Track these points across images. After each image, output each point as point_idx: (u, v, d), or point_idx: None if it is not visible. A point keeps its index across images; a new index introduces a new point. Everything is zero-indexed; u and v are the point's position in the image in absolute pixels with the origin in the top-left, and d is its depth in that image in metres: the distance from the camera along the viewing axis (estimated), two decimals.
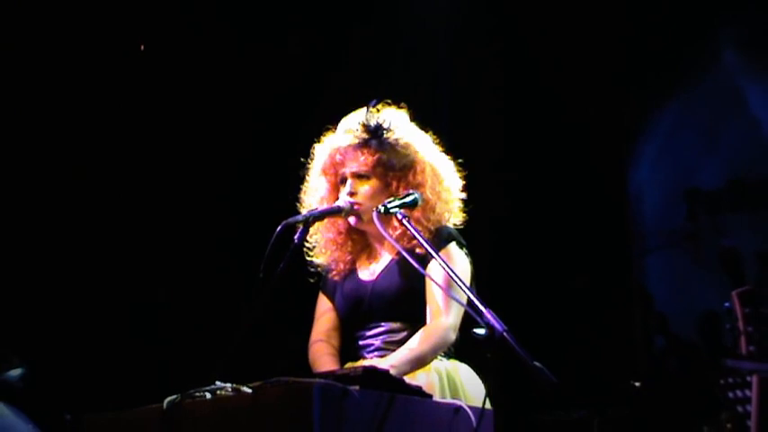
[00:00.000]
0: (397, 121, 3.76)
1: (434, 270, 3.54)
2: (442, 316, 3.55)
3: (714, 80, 5.72)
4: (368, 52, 5.76)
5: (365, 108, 3.76)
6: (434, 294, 3.59)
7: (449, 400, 3.44)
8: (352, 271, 3.82)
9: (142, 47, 5.29)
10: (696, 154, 5.81)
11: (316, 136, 3.87)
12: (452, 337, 3.57)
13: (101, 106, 5.33)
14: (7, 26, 5.17)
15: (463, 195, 3.80)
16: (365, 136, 3.71)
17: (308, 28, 5.75)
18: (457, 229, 3.78)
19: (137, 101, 5.42)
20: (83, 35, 5.29)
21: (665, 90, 5.86)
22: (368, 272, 3.79)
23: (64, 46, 5.26)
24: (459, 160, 3.84)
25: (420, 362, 3.51)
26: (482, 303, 3.03)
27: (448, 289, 3.43)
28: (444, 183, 3.75)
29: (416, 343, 3.53)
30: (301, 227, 3.54)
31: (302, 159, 3.89)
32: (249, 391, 2.88)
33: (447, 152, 3.86)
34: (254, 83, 5.63)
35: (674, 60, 5.80)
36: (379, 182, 3.70)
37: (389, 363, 3.42)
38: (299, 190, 3.87)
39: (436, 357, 3.61)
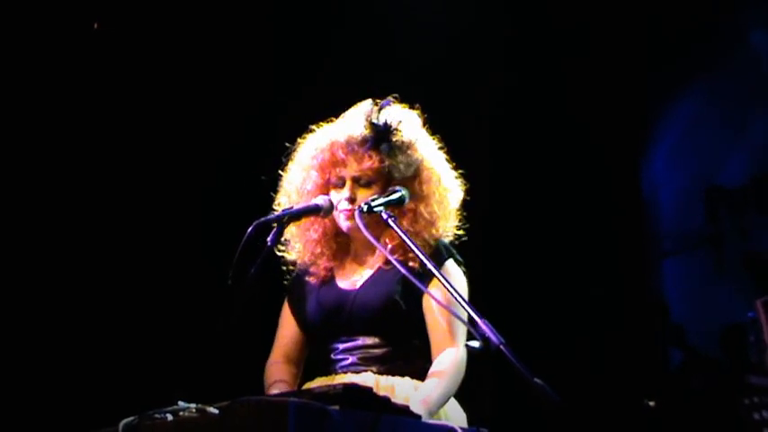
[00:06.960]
0: (406, 122, 3.65)
1: (435, 290, 3.39)
2: (454, 347, 3.46)
3: (740, 65, 5.76)
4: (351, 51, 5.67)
5: (372, 102, 3.62)
6: (438, 321, 3.48)
7: (437, 421, 3.33)
8: (330, 277, 3.68)
9: (96, 25, 5.35)
10: (718, 148, 5.87)
11: (290, 137, 3.75)
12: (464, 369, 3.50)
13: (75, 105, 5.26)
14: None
15: (457, 205, 3.71)
16: (373, 136, 3.57)
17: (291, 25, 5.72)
18: (455, 243, 3.70)
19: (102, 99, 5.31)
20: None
21: (685, 75, 5.89)
22: (348, 281, 3.65)
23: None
24: (461, 171, 3.77)
25: (447, 399, 3.43)
26: (477, 314, 2.95)
27: (450, 308, 3.29)
28: (449, 196, 3.66)
29: (445, 379, 3.43)
30: (275, 227, 3.39)
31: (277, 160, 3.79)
32: (216, 411, 2.77)
33: (448, 154, 3.79)
34: (230, 84, 5.55)
35: (694, 42, 5.84)
36: (381, 189, 3.55)
37: (421, 399, 3.30)
38: (271, 190, 3.75)
39: None
